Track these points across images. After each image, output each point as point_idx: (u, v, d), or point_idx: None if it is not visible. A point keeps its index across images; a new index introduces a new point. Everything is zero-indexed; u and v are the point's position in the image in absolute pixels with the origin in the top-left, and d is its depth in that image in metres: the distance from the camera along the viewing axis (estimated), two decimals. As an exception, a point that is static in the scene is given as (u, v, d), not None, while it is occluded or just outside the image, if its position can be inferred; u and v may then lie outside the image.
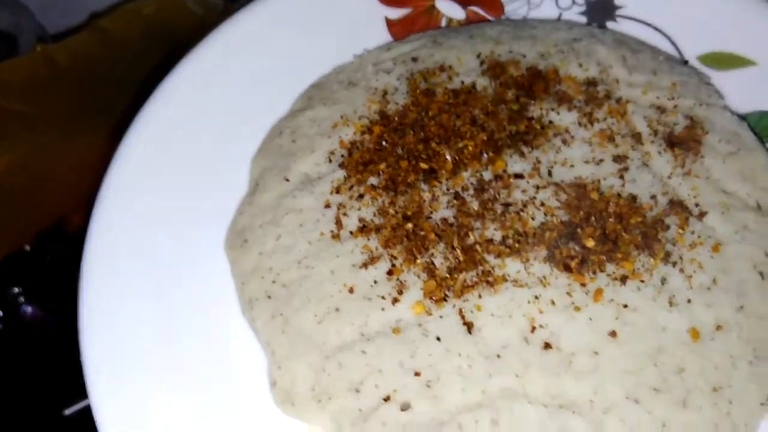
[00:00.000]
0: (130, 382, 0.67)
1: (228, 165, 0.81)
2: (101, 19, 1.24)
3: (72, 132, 1.17)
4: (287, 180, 0.77)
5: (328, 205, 0.75)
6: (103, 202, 0.76)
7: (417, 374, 0.65)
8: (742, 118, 0.79)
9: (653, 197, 0.72)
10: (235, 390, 0.69)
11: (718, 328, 0.66)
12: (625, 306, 0.66)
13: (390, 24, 0.91)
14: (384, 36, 0.90)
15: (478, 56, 0.83)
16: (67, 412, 0.96)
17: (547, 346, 0.65)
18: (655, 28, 0.88)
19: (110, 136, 1.09)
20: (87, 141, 1.17)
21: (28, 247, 1.09)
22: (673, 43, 0.87)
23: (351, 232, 0.73)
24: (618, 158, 0.75)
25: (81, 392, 0.82)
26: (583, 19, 0.90)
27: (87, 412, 0.84)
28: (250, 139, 0.83)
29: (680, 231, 0.70)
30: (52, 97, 1.19)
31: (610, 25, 0.89)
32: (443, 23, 0.92)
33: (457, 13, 0.92)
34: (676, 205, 0.71)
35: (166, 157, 0.79)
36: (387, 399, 0.65)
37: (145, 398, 0.67)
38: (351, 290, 0.69)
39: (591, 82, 0.80)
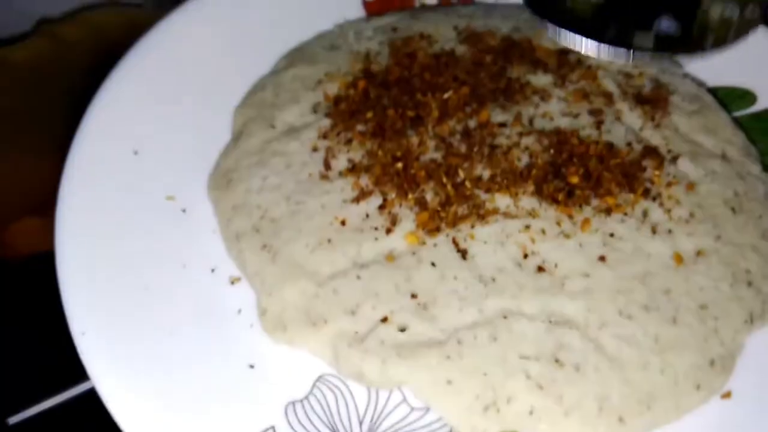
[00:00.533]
0: (116, 329, 0.63)
1: (207, 122, 0.80)
2: (53, 25, 1.23)
3: (15, 138, 1.14)
4: (273, 127, 0.77)
5: (315, 149, 0.75)
6: (75, 153, 0.74)
7: (413, 296, 0.65)
8: (700, 84, 0.86)
9: (629, 144, 0.76)
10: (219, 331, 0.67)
11: (699, 253, 0.69)
12: (611, 235, 0.69)
13: (367, 5, 0.94)
14: (361, 15, 0.94)
15: (455, 28, 0.87)
16: (12, 421, 0.90)
17: (540, 269, 0.66)
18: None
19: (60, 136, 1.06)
20: (30, 149, 1.14)
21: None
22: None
23: (340, 172, 0.73)
24: (593, 112, 0.78)
25: (26, 401, 0.79)
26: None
27: (33, 421, 0.80)
28: (227, 100, 0.83)
29: (656, 173, 0.74)
30: (2, 98, 1.16)
31: (572, 12, 0.96)
32: (417, 6, 0.96)
33: (431, -3, 0.97)
34: (651, 151, 0.75)
35: (139, 118, 0.78)
36: (384, 320, 0.64)
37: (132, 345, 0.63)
38: (343, 223, 0.69)
39: (563, 51, 0.85)
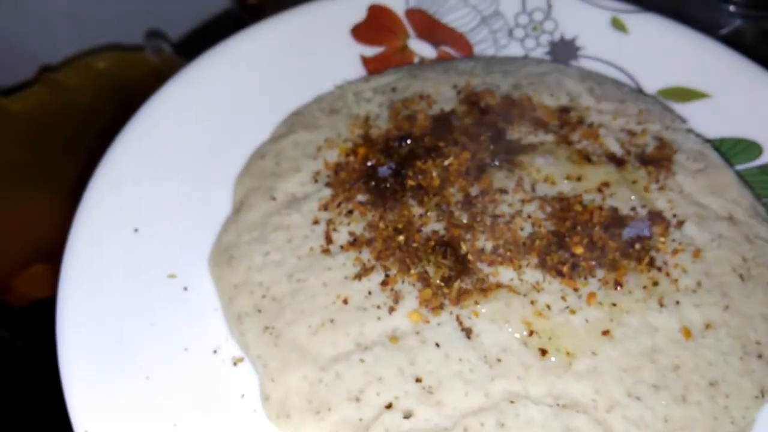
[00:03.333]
0: (119, 426, 0.62)
1: (207, 194, 0.80)
2: (54, 73, 1.24)
3: (20, 186, 1.14)
4: (273, 199, 0.77)
5: (316, 222, 0.74)
6: (75, 233, 0.73)
7: (418, 380, 0.64)
8: (705, 140, 0.85)
9: (633, 209, 0.75)
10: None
11: (707, 326, 0.68)
12: (618, 308, 0.68)
13: (366, 61, 0.94)
14: (360, 72, 0.93)
15: (454, 87, 0.87)
16: None
17: (546, 348, 0.65)
18: (616, 66, 0.94)
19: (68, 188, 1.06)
20: (35, 197, 1.14)
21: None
22: (633, 80, 0.93)
23: (341, 246, 0.72)
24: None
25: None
26: (548, 59, 0.96)
27: None
28: (227, 170, 0.82)
29: (662, 239, 0.73)
30: (3, 147, 1.17)
31: (572, 63, 0.95)
32: (416, 62, 0.96)
33: (429, 52, 0.96)
34: (656, 216, 0.74)
35: (138, 194, 0.77)
36: (389, 407, 0.63)
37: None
38: (345, 301, 0.68)
39: (563, 109, 0.84)
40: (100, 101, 1.23)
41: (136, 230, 0.74)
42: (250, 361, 0.68)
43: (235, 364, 0.69)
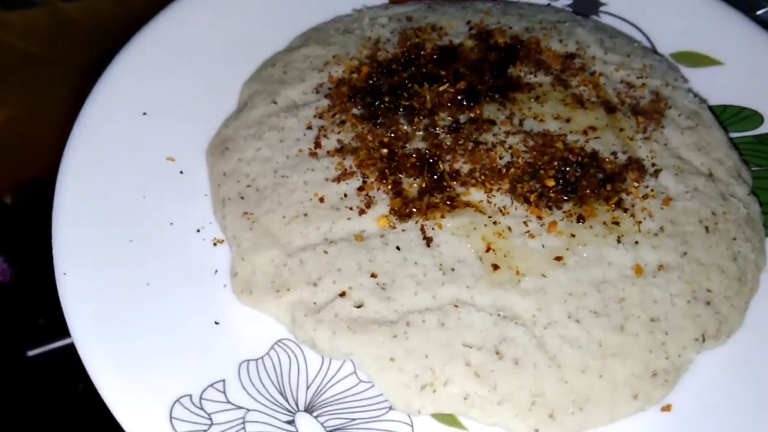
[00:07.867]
0: (96, 275, 0.68)
1: (216, 93, 0.85)
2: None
3: (72, 85, 1.21)
4: (275, 102, 0.81)
5: (309, 127, 0.79)
6: (88, 107, 0.79)
7: (373, 276, 0.68)
8: (703, 101, 0.85)
9: (614, 154, 0.77)
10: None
11: (661, 267, 0.70)
12: (576, 239, 0.70)
13: (391, -8, 0.97)
14: (383, 2, 0.97)
15: (468, 23, 0.89)
16: (31, 353, 0.97)
17: (499, 265, 0.69)
18: (634, 26, 0.95)
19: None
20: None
21: (8, 200, 1.10)
22: (649, 40, 0.94)
23: (328, 152, 0.77)
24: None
25: (44, 337, 0.86)
26: (568, 10, 0.97)
27: (50, 354, 0.86)
28: (239, 74, 0.87)
29: (635, 184, 0.75)
30: (60, 47, 1.24)
31: (592, 18, 0.96)
32: (439, -1, 0.98)
33: (454, -8, 0.99)
34: (634, 162, 0.76)
35: (152, 81, 0.82)
36: (342, 294, 0.67)
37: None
38: (321, 200, 0.73)
39: (569, 56, 0.86)
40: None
41: (144, 113, 0.80)
42: (227, 241, 0.74)
43: (214, 244, 0.74)
